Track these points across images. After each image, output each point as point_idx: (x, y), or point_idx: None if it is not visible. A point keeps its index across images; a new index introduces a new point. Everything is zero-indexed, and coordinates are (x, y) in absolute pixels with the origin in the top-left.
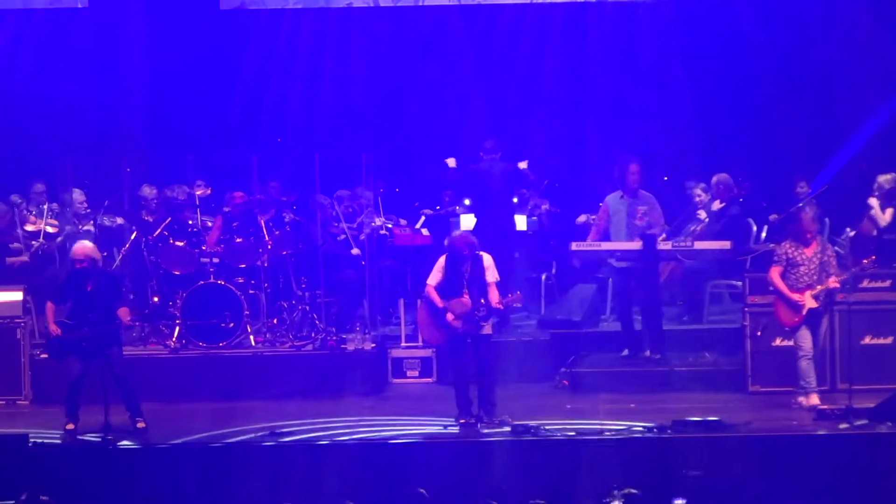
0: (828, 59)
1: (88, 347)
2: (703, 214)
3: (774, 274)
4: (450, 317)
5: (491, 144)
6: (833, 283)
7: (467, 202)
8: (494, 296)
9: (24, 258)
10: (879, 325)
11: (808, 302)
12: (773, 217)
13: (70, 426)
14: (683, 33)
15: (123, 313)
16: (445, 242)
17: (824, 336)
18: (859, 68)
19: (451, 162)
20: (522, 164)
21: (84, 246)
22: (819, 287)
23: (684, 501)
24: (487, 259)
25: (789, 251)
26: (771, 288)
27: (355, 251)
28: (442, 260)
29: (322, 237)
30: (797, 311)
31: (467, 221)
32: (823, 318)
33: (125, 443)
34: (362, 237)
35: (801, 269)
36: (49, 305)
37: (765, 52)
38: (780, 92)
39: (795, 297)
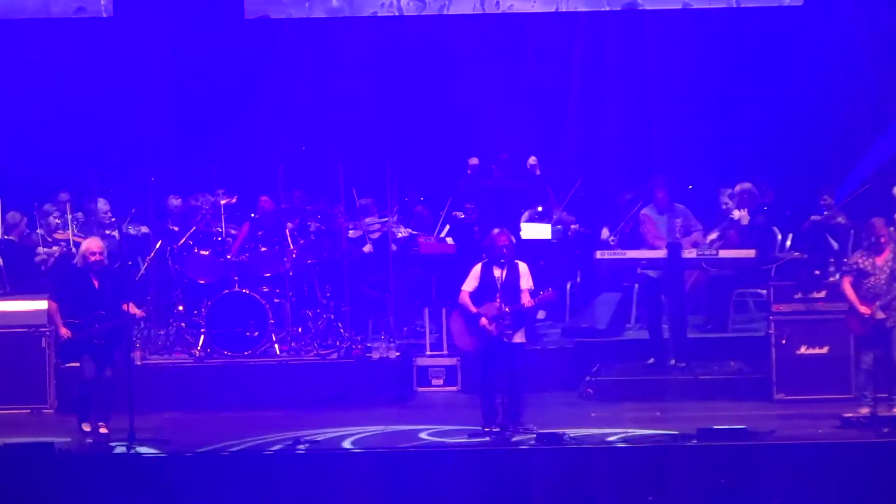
0: (851, 67)
1: (101, 346)
2: (736, 214)
3: (845, 283)
4: (483, 321)
5: (506, 158)
6: None
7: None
8: (525, 298)
9: (45, 252)
10: None
11: (877, 313)
12: (834, 217)
13: (86, 427)
14: (705, 43)
15: (132, 308)
16: (486, 241)
17: None
18: (882, 76)
19: (474, 161)
20: (532, 160)
21: (97, 240)
22: (888, 297)
23: None
24: (523, 267)
25: (860, 261)
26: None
27: (368, 248)
28: (477, 268)
29: (346, 246)
30: (865, 323)
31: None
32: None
33: (150, 451)
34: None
35: (872, 279)
36: (52, 305)
37: (788, 62)
38: (803, 100)
39: (864, 308)
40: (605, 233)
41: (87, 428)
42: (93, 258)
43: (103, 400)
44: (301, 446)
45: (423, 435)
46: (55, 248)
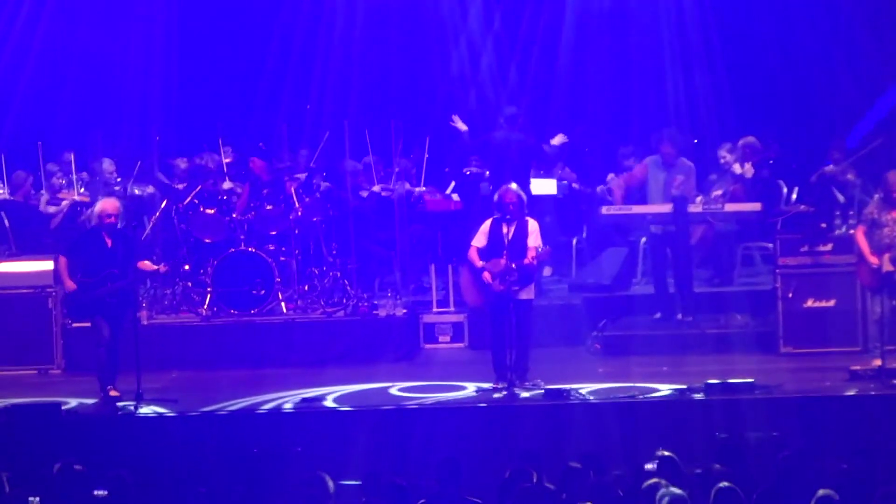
0: (860, 15)
1: (113, 305)
2: (738, 169)
3: (859, 233)
4: (486, 276)
5: (512, 112)
6: None
7: (486, 173)
8: (529, 256)
9: (55, 209)
10: None
11: (885, 265)
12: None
13: (114, 392)
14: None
15: (145, 265)
16: (495, 198)
17: None
18: (887, 33)
19: (460, 123)
20: (556, 140)
21: (113, 201)
22: None
23: (654, 465)
24: (533, 224)
25: (874, 212)
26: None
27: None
28: (487, 224)
29: (352, 203)
30: (875, 274)
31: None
32: None
33: (158, 410)
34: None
35: (885, 230)
36: (62, 260)
37: (794, 18)
38: (809, 49)
39: (873, 259)
40: (599, 189)
41: (114, 393)
42: (108, 220)
43: (114, 361)
44: (308, 404)
45: (430, 391)
46: (64, 203)
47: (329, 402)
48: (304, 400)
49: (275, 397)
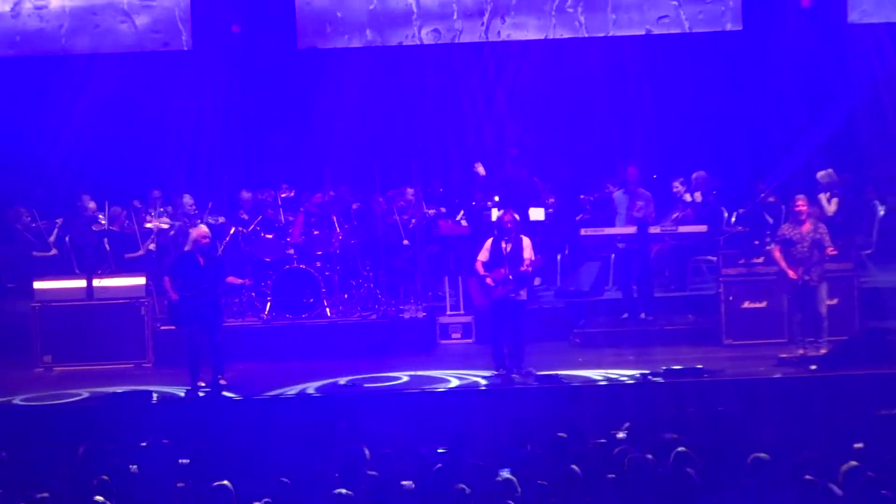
0: (781, 80)
1: (205, 313)
2: (688, 197)
3: (775, 251)
4: (489, 280)
5: (515, 153)
6: (830, 252)
7: (496, 198)
8: (524, 265)
9: (141, 253)
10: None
11: (801, 276)
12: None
13: (202, 383)
14: (665, 61)
15: (232, 280)
16: (493, 218)
17: (822, 301)
18: (804, 88)
19: (480, 169)
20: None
21: (205, 228)
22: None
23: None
24: (526, 241)
25: (787, 232)
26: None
27: (405, 242)
28: (489, 242)
29: (382, 229)
30: (794, 283)
31: (496, 214)
32: (820, 287)
33: (229, 394)
34: (411, 225)
35: (797, 246)
36: (166, 280)
37: (732, 76)
38: (744, 106)
39: (790, 273)
40: (578, 218)
41: (202, 383)
42: (204, 241)
43: (220, 356)
44: (349, 388)
45: (445, 378)
46: (152, 244)
47: (364, 387)
48: (344, 385)
49: (322, 383)
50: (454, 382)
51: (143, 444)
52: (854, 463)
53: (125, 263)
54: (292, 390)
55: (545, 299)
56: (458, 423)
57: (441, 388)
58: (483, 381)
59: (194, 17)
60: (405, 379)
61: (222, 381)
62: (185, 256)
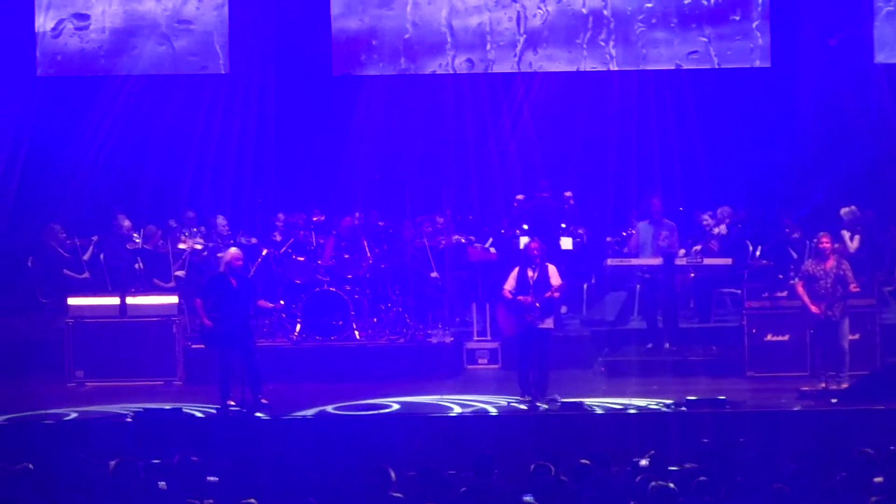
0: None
1: (237, 335)
2: (715, 231)
3: (798, 287)
4: (521, 298)
5: (546, 184)
6: (853, 288)
7: (525, 227)
8: (550, 291)
9: (171, 284)
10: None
11: (825, 312)
12: (793, 233)
13: (231, 402)
14: (695, 96)
15: (264, 304)
16: (522, 246)
17: (844, 336)
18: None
19: (521, 197)
20: (567, 193)
21: (238, 250)
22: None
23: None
24: (552, 269)
25: (810, 268)
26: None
27: (434, 275)
28: (515, 270)
29: (411, 253)
30: (816, 318)
31: (524, 241)
32: (843, 322)
33: (259, 414)
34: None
35: (821, 282)
36: (198, 302)
37: (760, 112)
38: (771, 143)
39: (813, 308)
40: (608, 239)
41: (231, 402)
42: (237, 263)
43: (258, 376)
44: (375, 411)
45: (471, 403)
46: (180, 271)
47: (391, 409)
48: (371, 408)
49: (350, 406)
50: (479, 407)
51: (173, 461)
52: (875, 499)
53: (157, 284)
54: (319, 411)
55: (571, 327)
56: (482, 448)
57: (467, 412)
58: (507, 407)
59: (231, 41)
60: (431, 402)
61: (263, 401)
62: (217, 278)
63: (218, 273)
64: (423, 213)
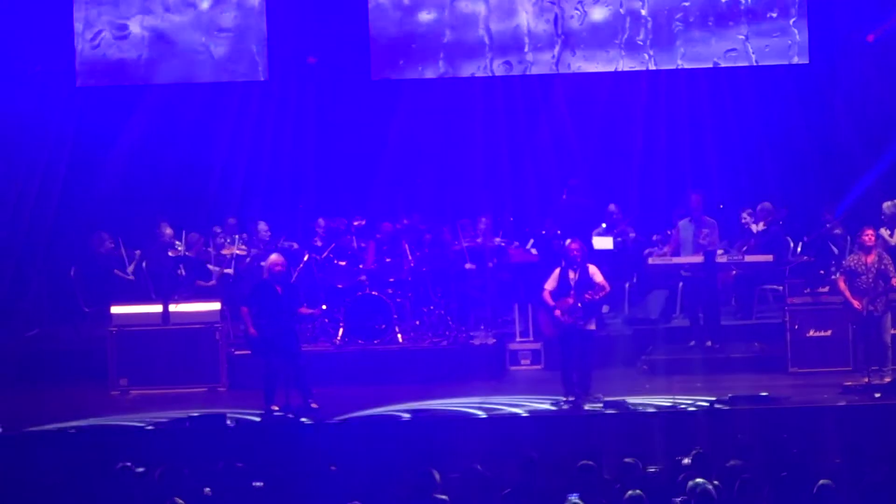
0: (847, 112)
1: (285, 341)
2: (755, 228)
3: (840, 282)
4: (557, 312)
5: (575, 183)
6: (895, 282)
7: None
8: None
9: (213, 283)
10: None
11: (867, 307)
12: (834, 228)
13: (275, 408)
14: (735, 93)
15: (305, 310)
16: (563, 251)
17: (886, 331)
18: (871, 122)
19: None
20: (611, 207)
21: (280, 255)
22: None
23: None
24: (593, 268)
25: (852, 263)
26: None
27: (469, 265)
28: (557, 271)
29: (452, 256)
30: (859, 313)
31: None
32: (885, 316)
33: (303, 419)
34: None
35: (862, 277)
36: (244, 310)
37: (799, 108)
38: (811, 138)
39: (855, 303)
40: (654, 237)
41: (275, 408)
42: (277, 268)
43: (306, 380)
44: (420, 414)
45: (515, 404)
46: (219, 268)
47: (437, 412)
48: (414, 410)
49: (393, 409)
50: (524, 408)
51: (218, 466)
52: None
53: (200, 289)
54: (364, 415)
55: (613, 326)
56: (527, 448)
57: (511, 413)
58: (552, 407)
59: (270, 48)
60: (475, 404)
61: (314, 405)
62: (262, 285)
63: (262, 280)
64: (464, 215)
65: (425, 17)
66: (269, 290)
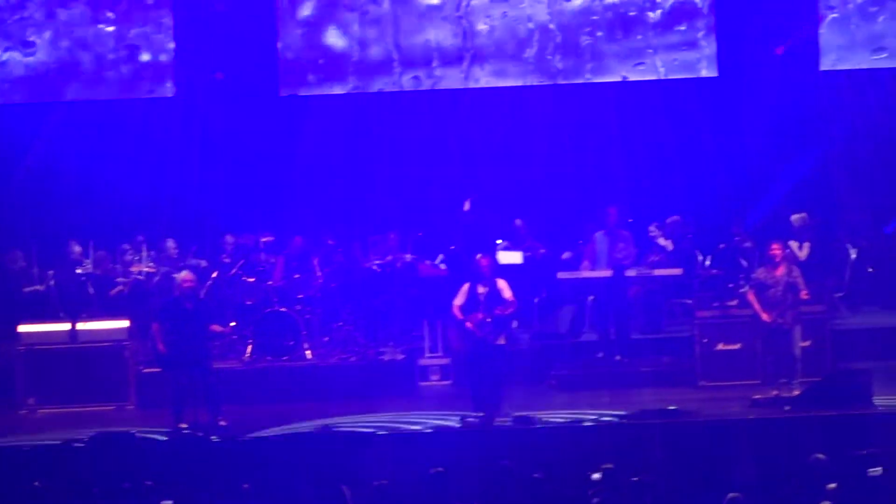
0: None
1: (196, 358)
2: (663, 241)
3: (750, 295)
4: (469, 325)
5: (473, 199)
6: (804, 296)
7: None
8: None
9: (122, 288)
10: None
11: (776, 319)
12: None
13: (183, 425)
14: (642, 107)
15: (216, 328)
16: (472, 265)
17: (795, 344)
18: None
19: (467, 205)
20: (517, 222)
21: (190, 272)
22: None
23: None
24: (502, 282)
25: (761, 276)
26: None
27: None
28: (465, 286)
29: (361, 272)
30: (767, 326)
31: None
32: (794, 329)
33: (212, 437)
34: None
35: (772, 290)
36: (154, 326)
37: (707, 121)
38: (718, 151)
39: (764, 316)
40: (566, 255)
41: (183, 425)
42: (187, 285)
43: (216, 398)
44: (328, 431)
45: (424, 420)
46: (127, 279)
47: (346, 428)
48: (324, 427)
49: (302, 426)
50: (432, 424)
51: (125, 485)
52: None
53: (108, 308)
54: (273, 432)
55: (523, 341)
56: (436, 465)
57: (420, 429)
58: (461, 423)
59: (177, 64)
60: (385, 420)
61: (222, 422)
62: (172, 302)
63: (172, 297)
64: (373, 231)
65: (333, 32)
66: (179, 307)
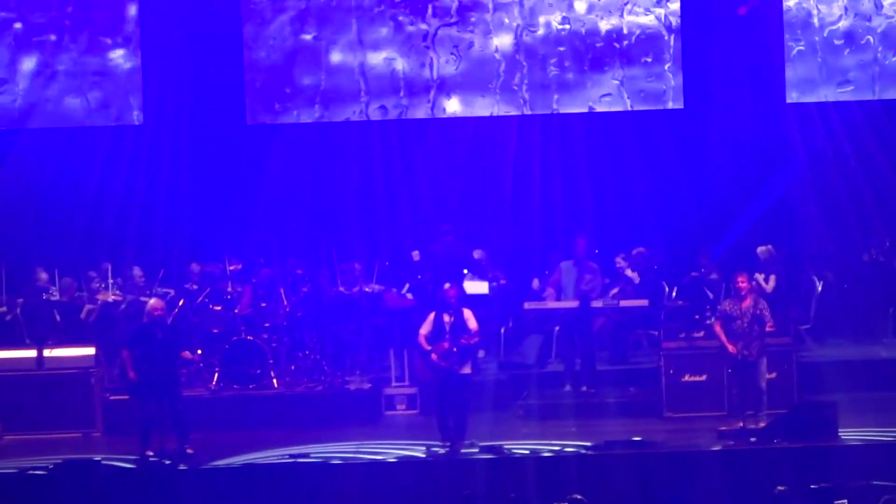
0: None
1: (166, 385)
2: (629, 273)
3: (716, 327)
4: (433, 357)
5: (447, 229)
6: (770, 328)
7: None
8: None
9: (90, 307)
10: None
11: (741, 351)
12: (710, 273)
13: (150, 452)
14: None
15: (185, 355)
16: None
17: (761, 375)
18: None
19: (416, 255)
20: (477, 253)
21: (160, 300)
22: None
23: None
24: (468, 312)
25: (727, 307)
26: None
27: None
28: (431, 315)
29: (328, 301)
30: (733, 358)
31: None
32: (760, 361)
33: (179, 465)
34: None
35: (738, 322)
36: (125, 353)
37: (673, 153)
38: (685, 183)
39: (730, 347)
40: (535, 283)
41: (150, 453)
42: (157, 313)
43: (184, 425)
44: (294, 459)
45: (390, 450)
46: (94, 305)
47: (311, 458)
48: (290, 456)
49: (269, 454)
50: (399, 453)
51: None
52: None
53: (74, 335)
54: (239, 460)
55: (489, 371)
56: (402, 494)
57: (386, 459)
58: (427, 453)
59: (145, 92)
60: (351, 449)
61: (189, 450)
62: (142, 329)
63: (142, 324)
64: (340, 260)
65: (300, 61)
66: (149, 335)
